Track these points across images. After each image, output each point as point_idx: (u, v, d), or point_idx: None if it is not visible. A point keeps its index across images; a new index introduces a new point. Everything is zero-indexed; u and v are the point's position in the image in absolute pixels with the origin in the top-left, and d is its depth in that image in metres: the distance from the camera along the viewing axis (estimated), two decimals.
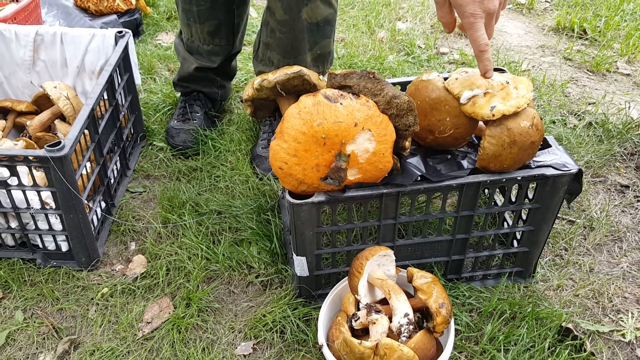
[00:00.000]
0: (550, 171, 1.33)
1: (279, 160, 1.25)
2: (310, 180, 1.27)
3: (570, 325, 1.41)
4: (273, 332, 1.45)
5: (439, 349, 1.31)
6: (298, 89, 1.35)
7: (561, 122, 2.19)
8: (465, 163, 1.37)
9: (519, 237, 1.56)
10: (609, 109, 2.26)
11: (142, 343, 1.44)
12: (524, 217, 1.50)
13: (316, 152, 1.23)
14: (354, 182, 1.29)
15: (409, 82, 1.54)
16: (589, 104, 2.33)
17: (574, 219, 1.76)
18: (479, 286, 1.54)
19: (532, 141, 1.28)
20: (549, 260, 1.63)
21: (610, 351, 1.41)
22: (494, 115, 1.24)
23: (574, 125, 2.17)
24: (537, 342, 1.39)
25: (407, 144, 1.29)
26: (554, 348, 1.38)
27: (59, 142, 1.38)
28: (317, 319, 1.37)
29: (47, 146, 1.36)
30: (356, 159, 1.24)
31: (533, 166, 1.35)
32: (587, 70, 2.62)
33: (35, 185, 1.45)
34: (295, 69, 1.32)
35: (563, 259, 1.64)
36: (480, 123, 1.36)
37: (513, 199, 1.49)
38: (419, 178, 1.32)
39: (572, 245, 1.67)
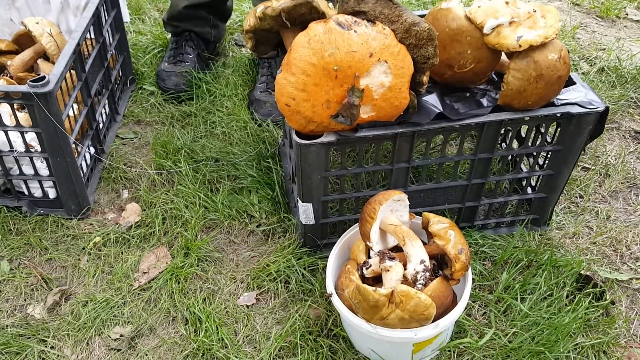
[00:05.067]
0: (576, 109, 1.24)
1: (286, 95, 1.14)
2: (319, 118, 1.17)
3: (589, 273, 1.36)
4: (277, 282, 1.38)
5: (454, 298, 1.24)
6: (305, 18, 1.23)
7: (572, 68, 2.10)
8: (484, 101, 1.27)
9: (533, 183, 1.48)
10: (620, 55, 2.17)
11: (138, 293, 1.36)
12: (540, 162, 1.42)
13: (327, 87, 1.13)
14: (366, 121, 1.19)
15: (423, 15, 1.43)
16: (600, 49, 2.23)
17: (589, 166, 1.69)
18: (492, 234, 1.47)
19: (559, 75, 1.19)
20: (564, 207, 1.56)
21: (629, 299, 1.36)
22: (520, 45, 1.14)
23: (586, 71, 2.07)
24: (555, 290, 1.33)
25: (425, 78, 1.19)
26: (572, 296, 1.33)
27: (43, 77, 1.26)
28: (323, 269, 1.30)
29: (31, 81, 1.24)
30: (370, 94, 1.14)
31: (558, 104, 1.26)
32: (596, 15, 2.51)
33: (18, 125, 1.34)
34: None
35: (578, 207, 1.57)
36: (503, 57, 1.26)
37: (529, 144, 1.40)
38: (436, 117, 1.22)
39: (587, 192, 1.60)
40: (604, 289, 1.33)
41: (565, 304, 1.31)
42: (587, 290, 1.32)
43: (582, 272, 1.36)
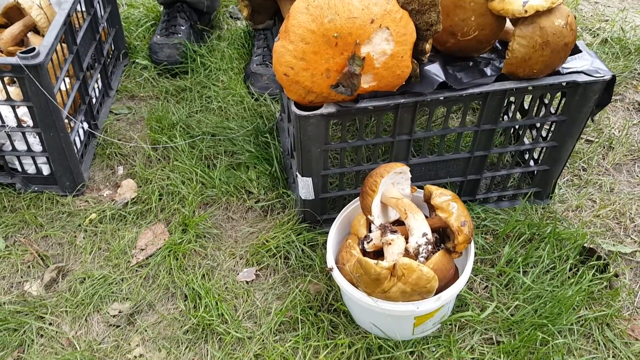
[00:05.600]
0: (582, 77, 1.21)
1: (284, 64, 1.11)
2: (319, 88, 1.13)
3: (592, 246, 1.34)
4: (277, 258, 1.36)
5: (456, 272, 1.22)
6: None
7: None
8: (488, 70, 1.24)
9: (536, 156, 1.46)
10: (624, 26, 2.13)
11: (136, 270, 1.34)
12: (544, 134, 1.40)
13: (327, 55, 1.09)
14: (367, 91, 1.16)
15: None
16: (603, 21, 2.19)
17: (592, 138, 1.66)
18: (494, 208, 1.45)
19: (566, 42, 1.16)
20: (567, 180, 1.54)
21: (632, 272, 1.34)
22: (526, 11, 1.11)
23: (589, 42, 2.03)
24: (558, 263, 1.31)
25: (428, 46, 1.15)
26: (576, 269, 1.31)
27: (33, 49, 1.22)
28: (323, 244, 1.28)
29: (20, 53, 1.20)
30: (372, 62, 1.11)
31: (563, 72, 1.23)
32: None
33: (9, 99, 1.30)
34: None
35: (582, 179, 1.54)
36: (507, 25, 1.23)
37: (533, 115, 1.38)
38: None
39: (591, 164, 1.58)
40: (608, 262, 1.31)
41: (569, 277, 1.30)
42: (591, 263, 1.31)
43: (585, 244, 1.34)
